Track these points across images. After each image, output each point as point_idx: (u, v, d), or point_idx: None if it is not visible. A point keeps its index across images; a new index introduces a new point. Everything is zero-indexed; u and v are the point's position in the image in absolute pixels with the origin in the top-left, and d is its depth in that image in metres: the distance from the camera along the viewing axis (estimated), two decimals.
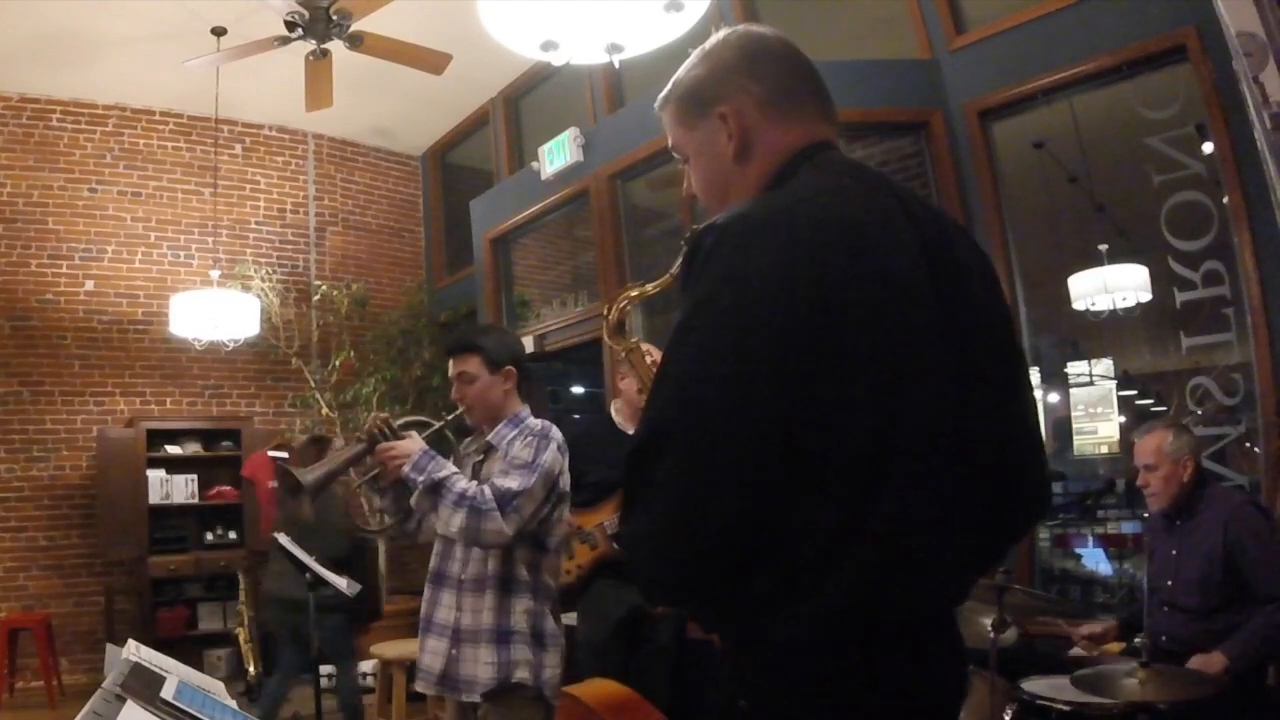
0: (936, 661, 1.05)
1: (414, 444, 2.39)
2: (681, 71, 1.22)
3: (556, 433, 2.47)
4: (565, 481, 2.46)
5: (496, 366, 2.47)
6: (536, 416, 2.54)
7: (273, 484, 6.44)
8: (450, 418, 2.56)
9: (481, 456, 2.53)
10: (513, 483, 2.31)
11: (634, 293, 1.49)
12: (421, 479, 2.33)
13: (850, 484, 0.94)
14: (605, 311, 1.49)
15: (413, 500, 2.41)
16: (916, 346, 0.98)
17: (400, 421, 2.50)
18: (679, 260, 1.36)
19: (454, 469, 2.39)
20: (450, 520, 2.29)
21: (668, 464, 0.95)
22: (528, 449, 2.39)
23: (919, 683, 1.02)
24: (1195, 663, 2.53)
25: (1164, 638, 2.74)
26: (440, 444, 2.51)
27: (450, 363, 2.53)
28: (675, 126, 1.23)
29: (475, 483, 2.36)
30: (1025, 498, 1.13)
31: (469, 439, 2.68)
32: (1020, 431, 1.12)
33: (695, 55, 1.22)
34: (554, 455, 2.40)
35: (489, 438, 2.51)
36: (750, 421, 0.93)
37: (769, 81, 1.16)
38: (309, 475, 2.42)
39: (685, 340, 0.99)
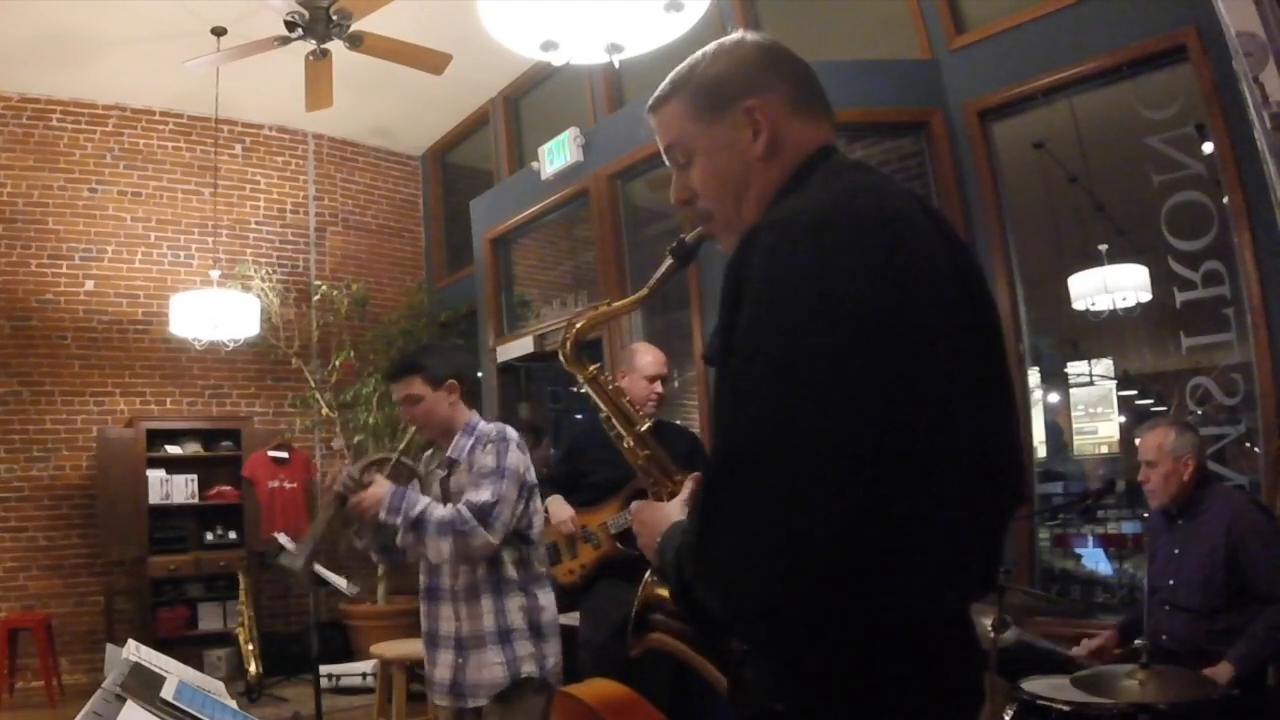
0: (965, 660, 1.06)
1: (381, 487, 2.42)
2: (694, 66, 1.17)
3: (512, 432, 2.53)
4: (531, 475, 2.52)
5: (438, 383, 2.52)
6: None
7: (273, 484, 6.45)
8: (403, 445, 2.58)
9: (445, 471, 2.57)
10: (485, 494, 2.37)
11: (593, 315, 1.39)
12: (400, 520, 2.37)
13: (908, 488, 0.92)
14: (562, 338, 1.38)
15: (398, 539, 2.43)
16: (958, 343, 0.98)
17: (359, 467, 2.53)
18: (659, 273, 1.30)
19: (426, 499, 2.42)
20: (440, 549, 2.34)
21: (762, 491, 0.89)
22: (490, 455, 2.44)
23: (952, 682, 1.02)
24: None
25: (1165, 637, 2.74)
26: (405, 471, 2.56)
27: (392, 389, 2.58)
28: (684, 122, 1.16)
29: (451, 505, 2.40)
30: (1014, 495, 1.14)
31: (429, 453, 2.72)
32: (1014, 431, 1.14)
33: (709, 52, 1.17)
34: (516, 455, 2.47)
35: (449, 453, 2.55)
36: (844, 434, 0.88)
37: (792, 81, 1.15)
38: (297, 560, 2.47)
39: (763, 351, 0.93)
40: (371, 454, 2.69)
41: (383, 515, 2.37)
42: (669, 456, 1.35)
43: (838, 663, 0.97)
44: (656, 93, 1.20)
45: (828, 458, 0.88)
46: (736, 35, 1.19)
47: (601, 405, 1.37)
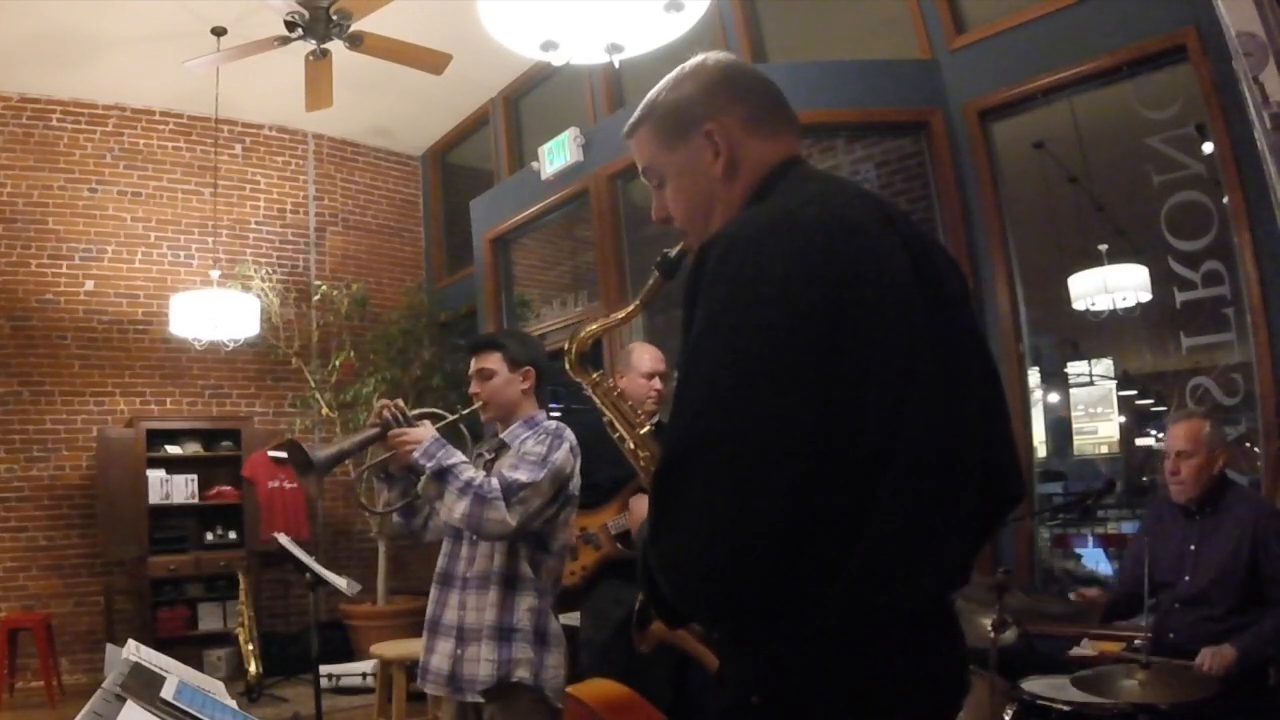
0: (942, 653, 1.07)
1: (426, 431, 2.39)
2: (657, 95, 1.23)
3: (570, 434, 2.47)
4: (575, 485, 2.46)
5: (516, 365, 2.51)
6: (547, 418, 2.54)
7: (273, 484, 6.45)
8: (465, 412, 2.55)
9: (493, 455, 2.53)
10: (521, 475, 2.32)
11: (594, 326, 1.46)
12: (431, 464, 2.32)
13: (859, 483, 0.96)
14: (566, 348, 1.45)
15: (419, 486, 2.40)
16: (916, 343, 1.00)
17: (415, 412, 2.50)
18: (647, 288, 1.37)
19: (464, 458, 2.38)
20: (454, 507, 2.28)
21: (702, 481, 0.93)
22: (540, 445, 2.40)
23: (927, 674, 1.04)
24: (1205, 654, 2.52)
25: (1172, 635, 2.73)
26: (454, 439, 2.50)
27: (472, 360, 2.56)
28: (652, 148, 1.23)
29: (484, 473, 2.37)
30: (1006, 493, 1.16)
31: (482, 441, 2.68)
32: (1000, 429, 1.16)
33: (670, 79, 1.24)
34: (565, 455, 2.41)
35: (503, 435, 2.52)
36: (784, 429, 0.93)
37: (750, 100, 1.20)
38: (319, 453, 2.38)
39: (706, 352, 0.98)
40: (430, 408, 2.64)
41: (416, 454, 2.33)
42: None
43: (811, 656, 0.99)
44: (630, 120, 1.27)
45: (757, 453, 0.92)
46: (697, 59, 1.24)
47: (605, 410, 1.42)
